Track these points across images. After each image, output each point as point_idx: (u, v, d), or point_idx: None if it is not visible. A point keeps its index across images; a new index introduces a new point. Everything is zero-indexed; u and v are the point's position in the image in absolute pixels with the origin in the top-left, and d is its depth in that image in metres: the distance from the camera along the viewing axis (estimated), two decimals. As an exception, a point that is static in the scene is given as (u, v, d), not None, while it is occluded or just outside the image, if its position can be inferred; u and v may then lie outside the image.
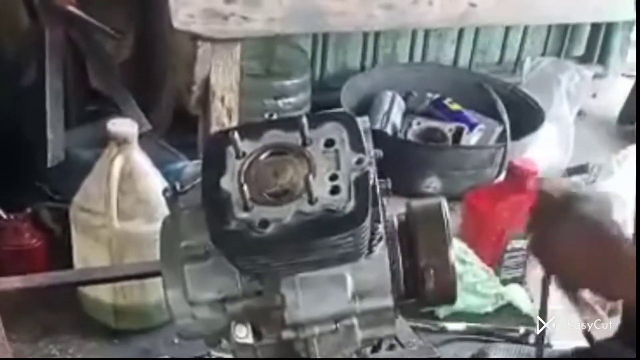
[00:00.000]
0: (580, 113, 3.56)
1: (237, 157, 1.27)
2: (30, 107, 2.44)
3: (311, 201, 1.20)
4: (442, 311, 2.31)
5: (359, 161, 1.23)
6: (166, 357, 2.08)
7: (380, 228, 1.29)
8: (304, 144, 1.26)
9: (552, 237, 1.42)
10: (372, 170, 1.26)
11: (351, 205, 1.20)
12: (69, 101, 2.50)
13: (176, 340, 2.09)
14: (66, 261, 2.12)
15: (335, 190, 1.21)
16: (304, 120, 1.26)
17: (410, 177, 2.86)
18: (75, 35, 2.50)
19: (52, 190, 2.44)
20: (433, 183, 2.95)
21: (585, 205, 1.41)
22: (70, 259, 2.13)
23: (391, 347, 1.77)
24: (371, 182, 1.24)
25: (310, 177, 1.21)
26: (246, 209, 1.21)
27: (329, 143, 1.26)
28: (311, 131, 1.27)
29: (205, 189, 1.26)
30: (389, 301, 1.33)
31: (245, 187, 1.21)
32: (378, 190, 1.31)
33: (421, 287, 1.36)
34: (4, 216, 2.22)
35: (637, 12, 3.30)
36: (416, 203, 1.42)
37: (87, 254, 2.08)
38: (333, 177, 1.23)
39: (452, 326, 2.31)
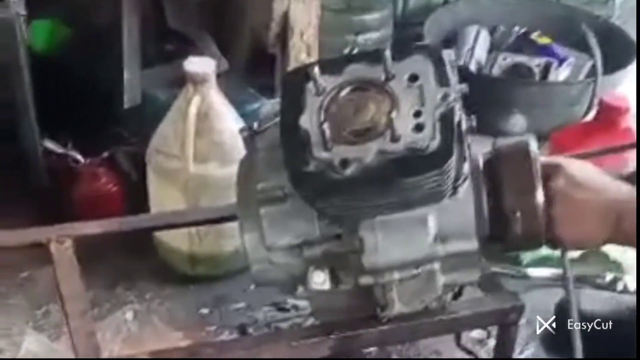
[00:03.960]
0: (676, 47, 3.42)
1: (317, 93, 1.23)
2: (107, 47, 2.42)
3: (394, 139, 1.15)
4: (525, 256, 2.24)
5: (445, 96, 1.18)
6: (242, 304, 2.06)
7: (466, 167, 1.25)
8: (387, 78, 1.22)
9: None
10: (458, 107, 1.21)
11: (436, 143, 1.15)
12: (145, 41, 2.47)
13: (252, 287, 2.07)
14: (143, 205, 2.11)
15: (419, 128, 1.17)
16: (387, 53, 1.21)
17: (494, 115, 2.77)
18: (153, -28, 2.47)
19: (129, 134, 2.42)
20: (518, 121, 2.86)
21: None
22: (147, 204, 2.11)
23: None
24: (457, 118, 1.19)
25: (393, 113, 1.17)
26: (326, 148, 1.17)
27: (413, 78, 1.21)
28: (394, 65, 1.22)
29: (284, 127, 1.22)
30: (473, 244, 1.29)
31: (325, 126, 1.17)
32: (463, 128, 1.25)
33: (507, 230, 1.31)
34: (81, 160, 2.21)
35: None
36: (503, 141, 1.36)
37: (163, 198, 2.07)
38: (417, 114, 1.18)
39: (535, 272, 2.23)
